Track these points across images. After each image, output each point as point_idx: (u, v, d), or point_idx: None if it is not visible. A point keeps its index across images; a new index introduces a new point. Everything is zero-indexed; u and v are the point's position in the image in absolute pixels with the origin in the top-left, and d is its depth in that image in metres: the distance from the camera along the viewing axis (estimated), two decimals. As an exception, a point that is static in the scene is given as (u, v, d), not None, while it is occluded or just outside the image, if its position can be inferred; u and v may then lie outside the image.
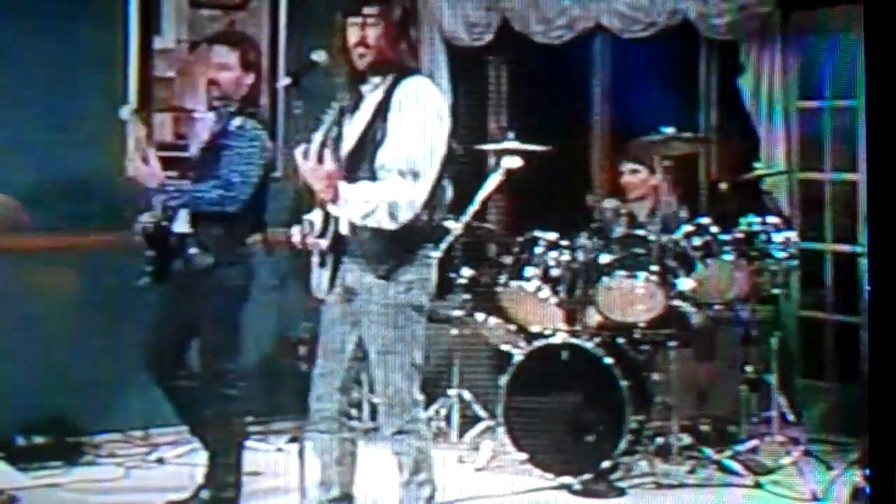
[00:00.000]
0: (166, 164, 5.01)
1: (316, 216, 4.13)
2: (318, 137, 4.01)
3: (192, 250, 4.92)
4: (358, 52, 4.06)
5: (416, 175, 3.97)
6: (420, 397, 4.14)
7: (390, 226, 3.97)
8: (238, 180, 4.87)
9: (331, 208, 4.02)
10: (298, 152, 3.96)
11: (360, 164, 4.03)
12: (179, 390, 5.06)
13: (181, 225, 4.98)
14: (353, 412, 4.26)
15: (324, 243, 4.11)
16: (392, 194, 3.95)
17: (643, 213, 6.08)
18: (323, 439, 4.19)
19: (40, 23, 5.87)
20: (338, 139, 4.08)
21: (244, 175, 4.88)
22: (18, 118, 5.86)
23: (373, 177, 3.99)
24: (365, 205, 3.94)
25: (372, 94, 4.11)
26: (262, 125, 5.00)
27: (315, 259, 4.18)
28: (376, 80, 4.10)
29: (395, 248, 4.04)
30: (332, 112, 4.10)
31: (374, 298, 4.06)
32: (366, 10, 4.06)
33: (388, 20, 4.07)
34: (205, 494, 5.07)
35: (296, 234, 4.18)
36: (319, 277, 4.18)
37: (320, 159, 3.91)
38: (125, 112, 5.48)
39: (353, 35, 4.07)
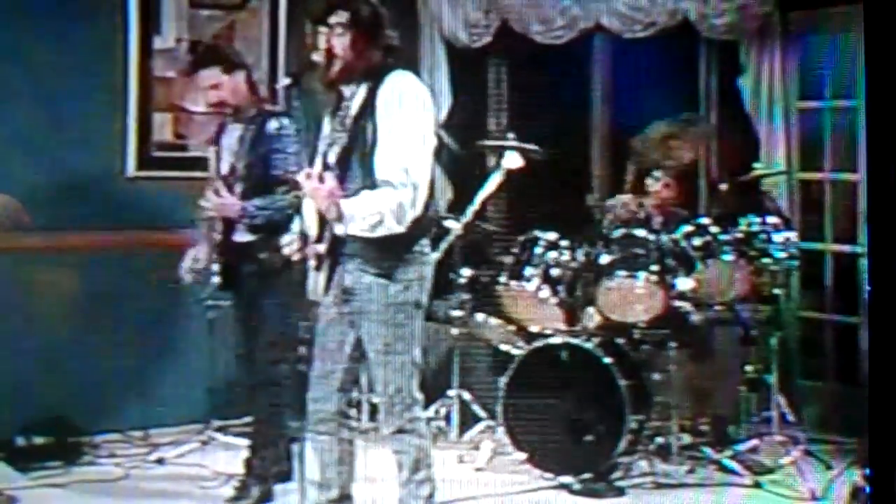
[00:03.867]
0: (168, 164, 4.99)
1: (311, 224, 4.12)
2: (318, 159, 4.01)
3: (263, 255, 4.98)
4: (327, 60, 4.04)
5: (414, 185, 3.96)
6: (419, 396, 4.14)
7: (398, 229, 3.97)
8: None
9: (335, 225, 4.00)
10: (302, 173, 3.97)
11: (355, 171, 4.02)
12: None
13: (242, 235, 5.07)
14: (352, 412, 4.26)
15: (321, 248, 4.10)
16: (395, 201, 3.94)
17: (657, 220, 6.04)
18: (321, 440, 4.19)
19: (40, 23, 5.87)
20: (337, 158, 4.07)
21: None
22: (18, 118, 5.86)
23: (372, 185, 3.98)
24: (372, 217, 3.94)
25: (354, 97, 4.08)
26: (294, 120, 4.98)
27: (311, 262, 4.18)
28: (352, 85, 4.08)
29: (392, 246, 4.04)
30: (328, 131, 4.11)
31: (373, 297, 4.06)
32: (331, 20, 4.03)
33: (355, 29, 4.03)
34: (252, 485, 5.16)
35: (288, 244, 4.18)
36: (315, 280, 4.17)
37: (321, 179, 3.91)
38: None
39: (321, 43, 4.04)
